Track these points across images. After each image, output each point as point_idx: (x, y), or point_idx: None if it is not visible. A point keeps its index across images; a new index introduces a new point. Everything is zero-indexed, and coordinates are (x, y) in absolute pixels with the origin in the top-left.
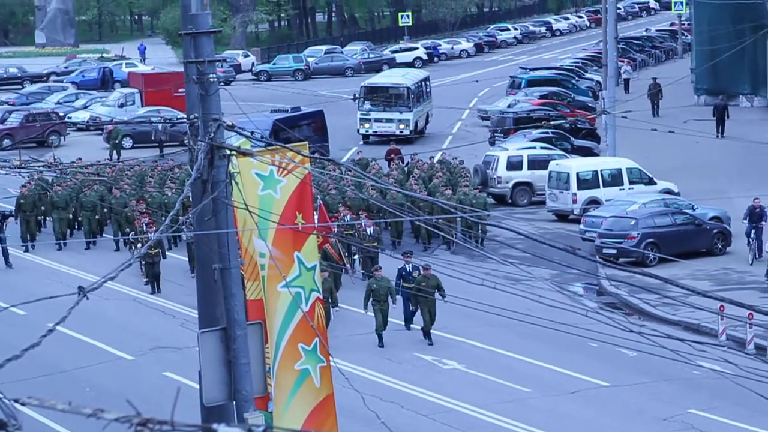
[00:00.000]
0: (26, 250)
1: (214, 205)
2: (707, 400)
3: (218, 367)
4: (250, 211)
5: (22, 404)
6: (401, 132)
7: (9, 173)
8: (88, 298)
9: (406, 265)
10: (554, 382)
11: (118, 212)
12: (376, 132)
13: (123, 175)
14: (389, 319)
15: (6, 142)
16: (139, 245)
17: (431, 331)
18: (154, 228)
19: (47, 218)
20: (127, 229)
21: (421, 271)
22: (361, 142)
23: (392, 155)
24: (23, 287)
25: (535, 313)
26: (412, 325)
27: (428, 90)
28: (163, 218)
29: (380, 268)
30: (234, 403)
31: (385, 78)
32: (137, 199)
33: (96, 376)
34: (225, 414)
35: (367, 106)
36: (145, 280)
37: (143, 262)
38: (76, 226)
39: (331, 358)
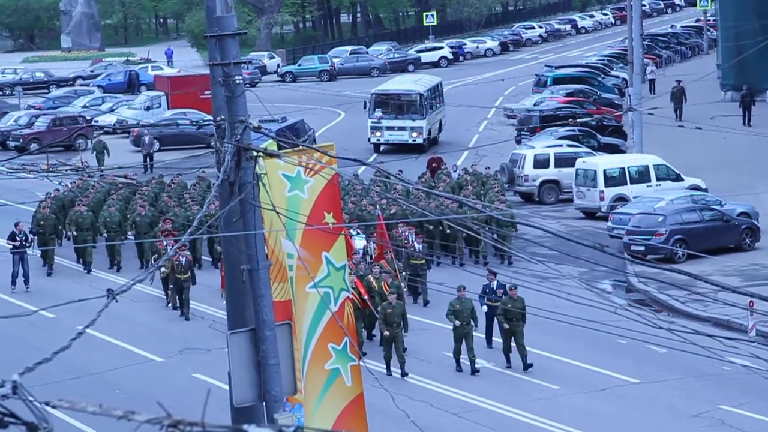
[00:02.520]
0: (49, 274)
1: (241, 206)
2: (738, 395)
3: (248, 368)
4: (277, 212)
5: (53, 407)
6: (414, 140)
7: (37, 177)
8: (117, 301)
9: (491, 283)
10: (584, 380)
11: (141, 231)
12: (387, 141)
13: (137, 190)
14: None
15: (33, 146)
16: (163, 268)
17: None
18: (184, 249)
19: (65, 236)
20: (153, 254)
21: (507, 291)
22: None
23: (434, 165)
24: (53, 290)
25: (564, 310)
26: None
27: (441, 96)
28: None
29: (464, 288)
30: (264, 403)
31: (397, 84)
32: (163, 218)
33: (126, 378)
34: (255, 415)
35: (378, 113)
36: (168, 304)
37: (170, 287)
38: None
39: (362, 359)
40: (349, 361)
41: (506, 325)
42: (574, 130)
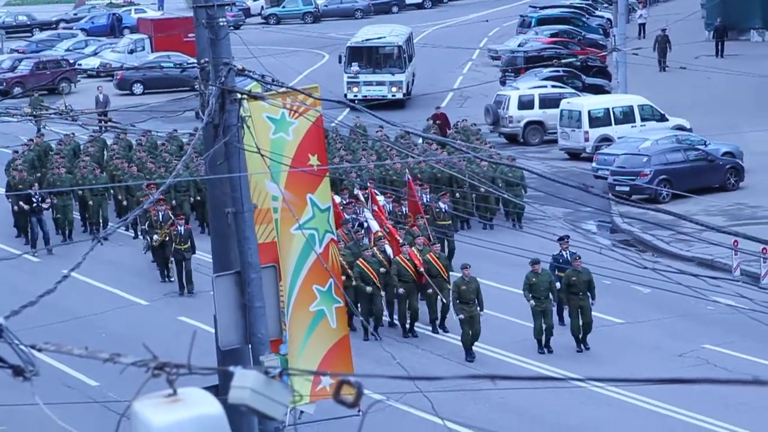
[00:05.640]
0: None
1: (226, 149)
2: (722, 335)
3: (233, 310)
4: (262, 155)
5: (39, 350)
6: (393, 95)
7: (20, 121)
8: (102, 244)
9: (563, 252)
10: (568, 320)
11: (135, 194)
12: (365, 96)
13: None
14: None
15: (17, 89)
16: (155, 236)
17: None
18: (181, 217)
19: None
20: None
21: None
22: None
23: (438, 122)
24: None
25: (549, 251)
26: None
27: (413, 47)
28: (172, 201)
29: (539, 263)
30: (250, 346)
31: (373, 36)
32: (148, 183)
33: (111, 321)
34: (241, 357)
35: (355, 68)
36: (165, 279)
37: (172, 260)
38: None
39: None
40: (333, 303)
41: (566, 308)
42: (558, 71)
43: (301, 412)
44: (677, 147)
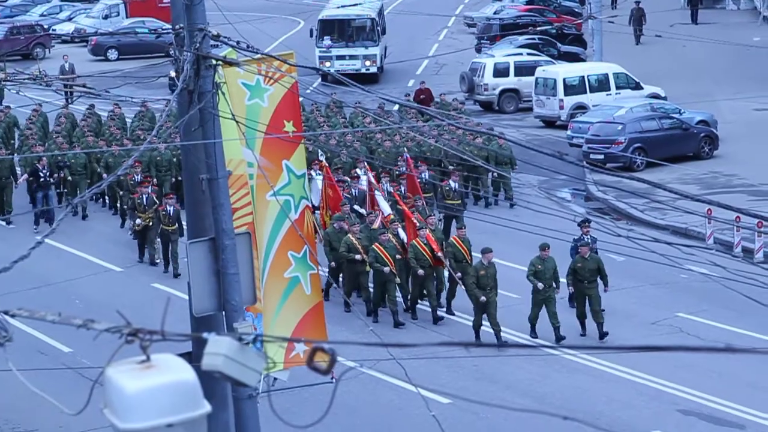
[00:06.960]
0: (75, 214)
1: (200, 115)
2: (695, 303)
3: (207, 277)
4: (237, 121)
5: (12, 316)
6: (368, 69)
7: None
8: (76, 212)
9: (584, 236)
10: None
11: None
12: (338, 71)
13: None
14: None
15: None
16: (138, 221)
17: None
18: (171, 197)
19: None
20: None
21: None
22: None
23: (422, 96)
24: (17, 204)
25: (524, 219)
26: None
27: (385, 21)
28: (154, 180)
29: (548, 248)
30: (224, 313)
31: (342, 9)
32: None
33: (85, 288)
34: (215, 324)
35: (327, 42)
36: (156, 261)
37: (159, 240)
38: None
39: (320, 268)
40: (308, 270)
41: (571, 289)
42: (534, 39)
43: (275, 378)
44: (652, 115)
